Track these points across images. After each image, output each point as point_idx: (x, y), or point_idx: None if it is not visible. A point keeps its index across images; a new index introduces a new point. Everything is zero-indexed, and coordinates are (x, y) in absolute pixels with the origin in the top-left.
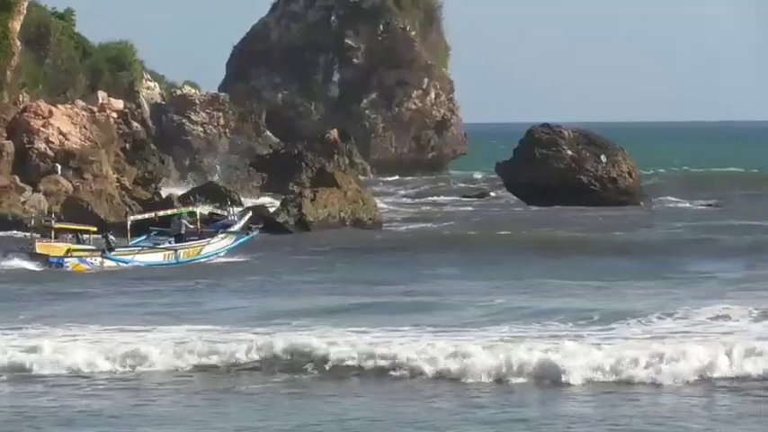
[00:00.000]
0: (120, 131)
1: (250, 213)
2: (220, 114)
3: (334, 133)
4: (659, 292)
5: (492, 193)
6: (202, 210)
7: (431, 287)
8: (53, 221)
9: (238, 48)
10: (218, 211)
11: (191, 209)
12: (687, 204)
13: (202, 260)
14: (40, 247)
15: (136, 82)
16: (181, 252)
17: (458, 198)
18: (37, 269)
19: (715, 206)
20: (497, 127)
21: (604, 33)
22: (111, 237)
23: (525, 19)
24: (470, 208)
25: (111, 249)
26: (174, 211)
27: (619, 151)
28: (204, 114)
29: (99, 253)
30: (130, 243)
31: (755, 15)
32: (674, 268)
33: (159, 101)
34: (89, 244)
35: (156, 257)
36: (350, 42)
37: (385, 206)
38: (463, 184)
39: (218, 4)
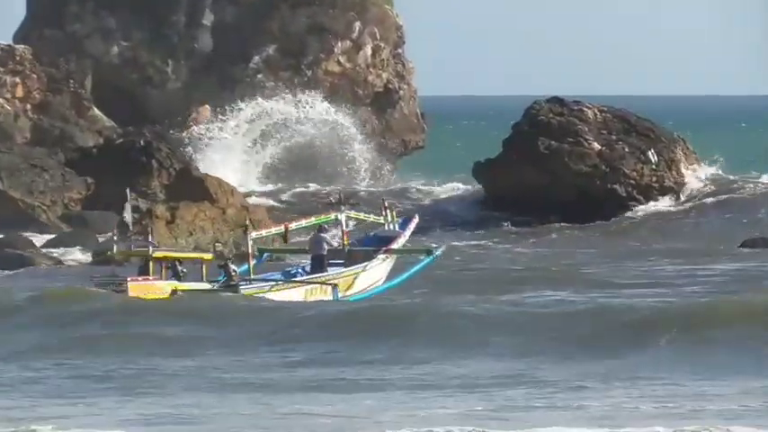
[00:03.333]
0: None
1: (417, 218)
2: (17, 80)
3: (205, 112)
4: None
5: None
6: (352, 216)
7: None
8: (151, 248)
9: None
10: (367, 217)
11: (334, 216)
12: None
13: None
14: (134, 288)
15: None
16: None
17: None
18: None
19: None
20: (478, 102)
21: None
22: (233, 267)
23: None
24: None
25: (232, 286)
26: (312, 220)
27: (678, 144)
28: None
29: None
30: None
31: None
32: None
33: None
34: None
35: (294, 295)
36: None
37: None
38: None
39: None
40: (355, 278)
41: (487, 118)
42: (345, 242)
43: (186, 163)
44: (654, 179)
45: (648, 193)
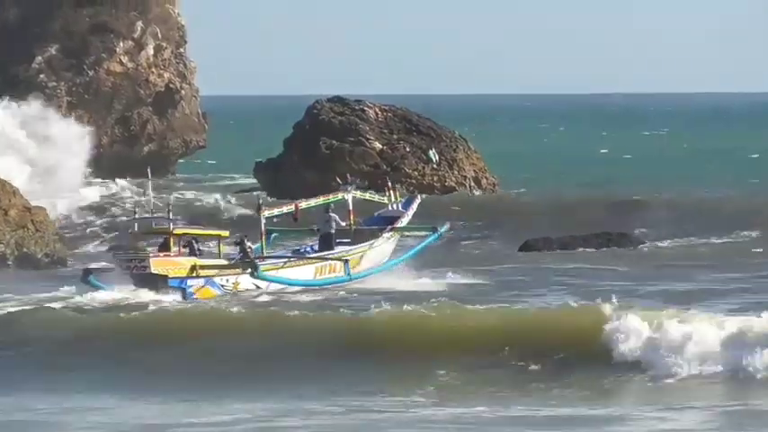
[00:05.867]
0: None
1: (419, 198)
2: None
3: None
4: None
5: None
6: (359, 195)
7: None
8: (171, 225)
9: None
10: (372, 197)
11: (340, 196)
12: None
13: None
14: (157, 263)
15: None
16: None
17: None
18: (151, 296)
19: None
20: (264, 101)
21: None
22: (249, 244)
23: None
24: None
25: (249, 263)
26: (320, 200)
27: (459, 143)
28: None
29: (239, 270)
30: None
31: None
32: None
33: None
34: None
35: (306, 273)
36: None
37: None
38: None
39: None
40: (362, 256)
41: (274, 117)
42: (352, 221)
43: None
44: (435, 178)
45: (430, 193)
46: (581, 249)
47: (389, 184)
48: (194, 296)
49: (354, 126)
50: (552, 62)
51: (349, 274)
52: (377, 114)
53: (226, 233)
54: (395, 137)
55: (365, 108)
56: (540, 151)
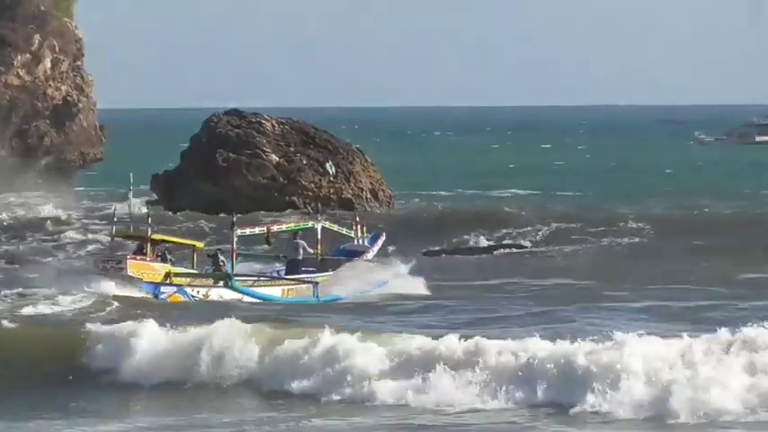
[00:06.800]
0: None
1: (384, 237)
2: None
3: None
4: None
5: None
6: (327, 226)
7: None
8: (149, 230)
9: None
10: (340, 229)
11: (310, 224)
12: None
13: (341, 300)
14: (133, 266)
15: None
16: (319, 286)
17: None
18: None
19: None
20: (162, 114)
21: None
22: (222, 257)
23: None
24: None
25: (223, 275)
26: (291, 225)
27: (356, 156)
28: None
29: (211, 282)
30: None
31: None
32: None
33: None
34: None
35: (274, 293)
36: None
37: None
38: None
39: None
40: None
41: (173, 129)
42: (320, 251)
43: None
44: (332, 191)
45: (327, 205)
46: (477, 257)
47: (357, 218)
48: (167, 301)
49: (251, 139)
50: (464, 72)
51: (317, 296)
52: (274, 127)
53: (201, 244)
54: (292, 149)
55: (262, 121)
56: (443, 162)
